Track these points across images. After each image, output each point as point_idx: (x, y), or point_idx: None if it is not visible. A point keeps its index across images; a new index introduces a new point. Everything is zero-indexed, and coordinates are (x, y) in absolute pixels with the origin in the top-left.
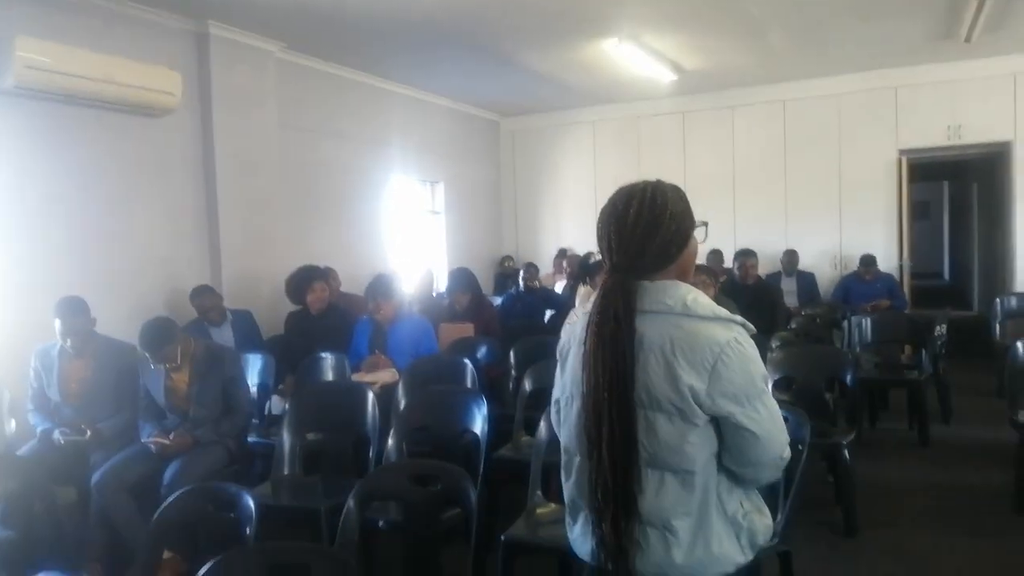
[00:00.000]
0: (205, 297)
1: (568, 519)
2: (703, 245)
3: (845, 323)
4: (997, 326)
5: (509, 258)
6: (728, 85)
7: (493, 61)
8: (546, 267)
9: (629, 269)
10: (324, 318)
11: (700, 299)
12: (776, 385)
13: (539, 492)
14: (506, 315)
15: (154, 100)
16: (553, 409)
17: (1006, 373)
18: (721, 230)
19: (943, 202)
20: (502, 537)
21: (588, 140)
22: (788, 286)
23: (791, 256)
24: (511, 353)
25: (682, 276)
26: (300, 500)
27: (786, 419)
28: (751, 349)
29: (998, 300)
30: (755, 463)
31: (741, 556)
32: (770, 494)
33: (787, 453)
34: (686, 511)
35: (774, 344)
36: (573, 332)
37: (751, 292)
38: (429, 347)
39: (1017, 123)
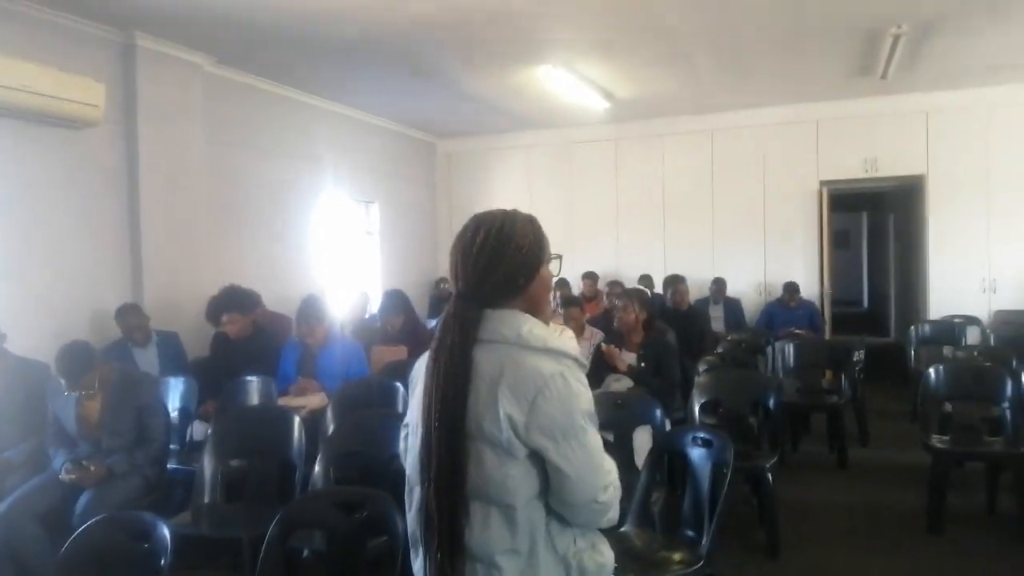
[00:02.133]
0: (131, 316)
1: (412, 552)
2: (568, 275)
3: (769, 349)
4: (912, 352)
5: (445, 280)
6: (659, 114)
7: (428, 82)
8: None
9: (472, 297)
10: (250, 340)
11: (535, 330)
12: (703, 408)
13: None
14: None
15: (76, 112)
16: (401, 435)
17: (919, 398)
18: (652, 256)
19: (862, 232)
20: None
21: (522, 164)
22: (716, 312)
23: (719, 284)
24: None
25: (532, 307)
26: (221, 529)
27: (708, 441)
28: (577, 384)
29: (912, 327)
30: (568, 503)
31: None
32: (695, 518)
33: (604, 498)
34: (513, 549)
35: (701, 368)
36: (424, 360)
37: (683, 318)
38: (359, 371)
39: (929, 157)
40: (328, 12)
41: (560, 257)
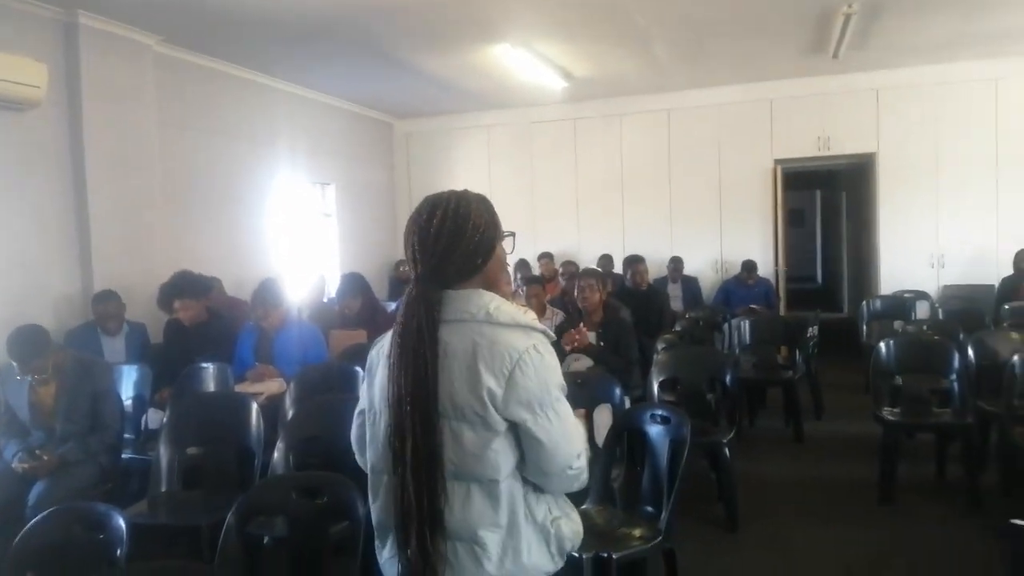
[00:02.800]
0: (110, 304)
1: (377, 542)
2: (528, 255)
3: (725, 326)
4: (864, 327)
5: (404, 262)
6: (616, 93)
7: (385, 62)
8: None
9: (432, 279)
10: (205, 326)
11: (503, 307)
12: (661, 386)
13: None
14: None
15: (17, 93)
16: (355, 422)
17: (870, 372)
18: (611, 236)
19: (816, 209)
20: None
21: (483, 144)
22: (674, 291)
23: (676, 263)
24: None
25: (489, 286)
26: (179, 517)
27: (666, 418)
28: (550, 357)
29: (864, 303)
30: (544, 472)
31: (551, 564)
32: (654, 494)
33: (577, 464)
34: (494, 523)
35: (659, 347)
36: (383, 345)
37: (643, 297)
38: (318, 355)
39: (880, 135)
40: None
41: (513, 234)
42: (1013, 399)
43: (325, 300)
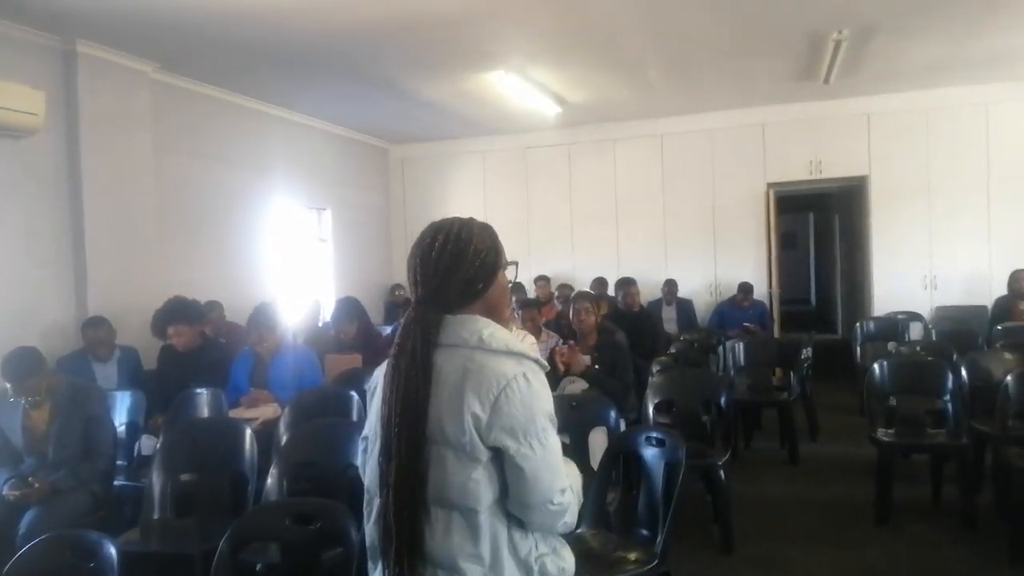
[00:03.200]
0: (100, 329)
1: (370, 564)
2: (523, 279)
3: (720, 348)
4: (858, 348)
5: (400, 287)
6: (610, 119)
7: (379, 88)
8: None
9: (432, 302)
10: (200, 352)
11: (497, 333)
12: (656, 408)
13: None
14: None
15: (15, 120)
16: (360, 447)
17: (865, 393)
18: (606, 259)
19: (809, 232)
20: None
21: (478, 169)
22: (668, 314)
23: (671, 286)
24: None
25: (490, 312)
26: (172, 545)
27: (661, 441)
28: (539, 386)
29: (858, 324)
30: (524, 504)
31: None
32: (649, 517)
33: (559, 499)
34: (476, 555)
35: (654, 369)
36: (383, 370)
37: (634, 319)
38: (313, 379)
39: (872, 159)
40: (274, 18)
41: (516, 264)
42: (1007, 419)
43: (320, 324)
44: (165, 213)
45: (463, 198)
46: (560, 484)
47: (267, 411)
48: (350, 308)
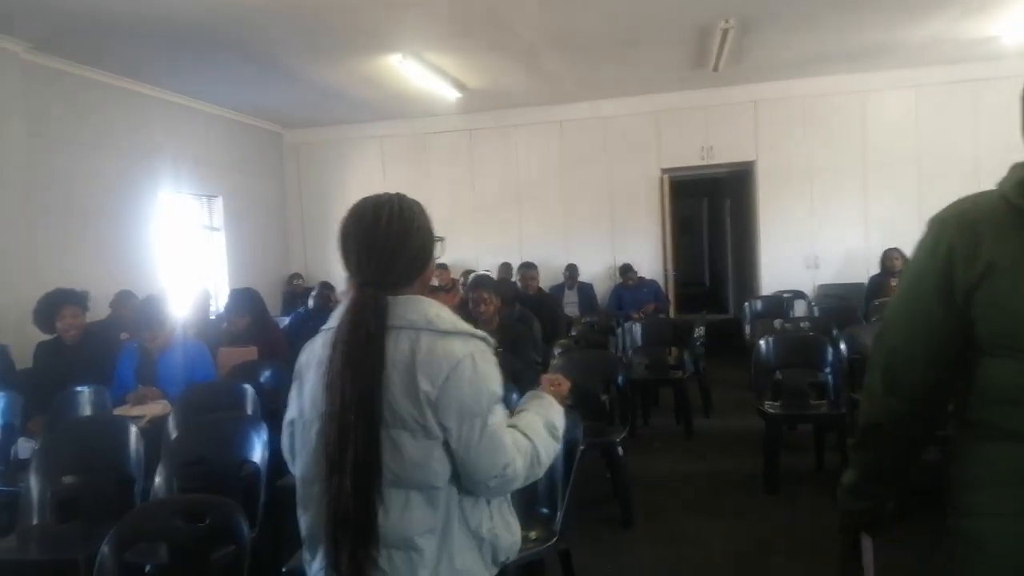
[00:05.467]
0: None
1: (307, 554)
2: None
3: (619, 329)
4: (747, 326)
5: (298, 276)
6: (510, 105)
7: (271, 71)
8: (341, 284)
9: (380, 284)
10: (81, 347)
11: (443, 313)
12: None
13: None
14: (295, 336)
15: None
16: (285, 432)
17: (752, 368)
18: (508, 245)
19: (703, 217)
20: (284, 569)
21: (377, 155)
22: (570, 298)
23: (572, 270)
24: None
25: (422, 291)
26: (53, 551)
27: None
28: (486, 367)
29: (747, 303)
30: (470, 479)
31: (485, 572)
32: (549, 495)
33: (503, 473)
34: (430, 528)
35: (556, 351)
36: (313, 351)
37: (533, 302)
38: (205, 373)
39: (759, 144)
40: None
41: (443, 239)
42: None
43: (212, 316)
44: (42, 203)
45: (362, 184)
46: (503, 460)
47: (155, 408)
48: (241, 300)
